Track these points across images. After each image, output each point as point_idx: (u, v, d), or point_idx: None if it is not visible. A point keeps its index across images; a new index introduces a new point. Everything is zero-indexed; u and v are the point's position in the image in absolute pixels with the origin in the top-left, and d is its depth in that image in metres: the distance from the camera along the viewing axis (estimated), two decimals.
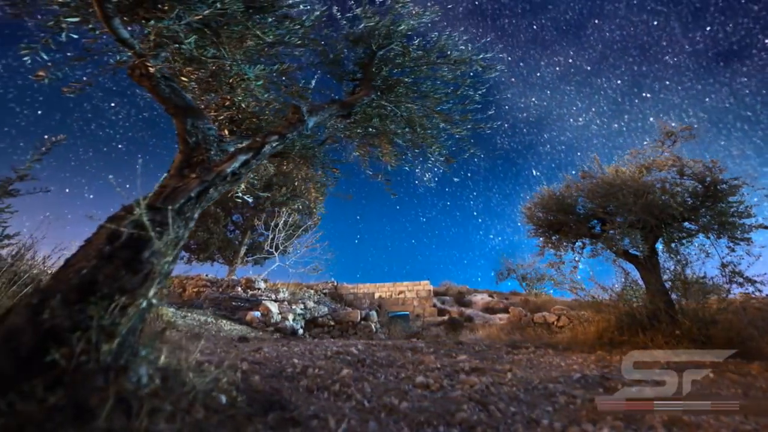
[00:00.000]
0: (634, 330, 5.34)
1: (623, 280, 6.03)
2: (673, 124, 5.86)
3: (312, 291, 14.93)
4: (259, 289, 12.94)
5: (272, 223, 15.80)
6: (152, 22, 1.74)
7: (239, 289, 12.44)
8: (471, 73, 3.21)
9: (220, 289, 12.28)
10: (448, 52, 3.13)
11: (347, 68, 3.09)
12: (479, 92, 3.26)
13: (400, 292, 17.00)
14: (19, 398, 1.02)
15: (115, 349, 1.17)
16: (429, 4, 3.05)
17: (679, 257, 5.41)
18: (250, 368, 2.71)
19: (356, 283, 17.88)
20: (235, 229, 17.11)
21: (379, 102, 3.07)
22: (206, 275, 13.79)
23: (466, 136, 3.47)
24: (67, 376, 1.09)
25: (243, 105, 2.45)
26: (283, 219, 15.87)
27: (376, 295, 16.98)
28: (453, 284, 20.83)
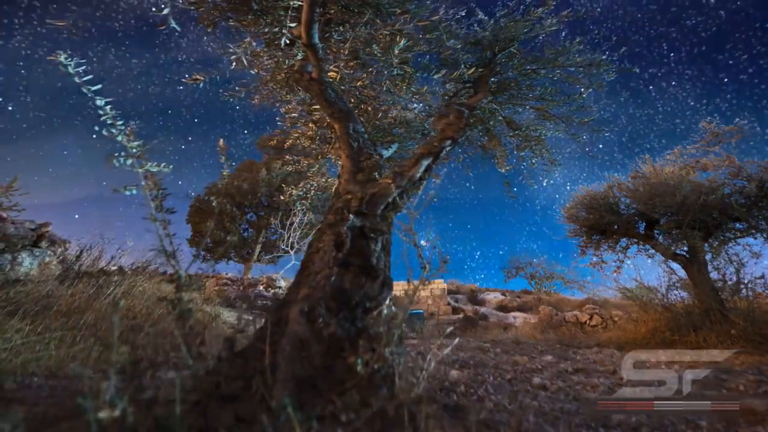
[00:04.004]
0: (686, 329, 5.39)
1: (668, 279, 6.10)
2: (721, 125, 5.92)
3: None
4: (279, 287, 12.95)
5: (287, 222, 15.80)
6: (341, 27, 1.74)
7: (261, 287, 12.45)
8: (603, 75, 3.25)
9: (241, 288, 12.26)
10: (573, 55, 3.16)
11: (461, 70, 3.09)
12: (584, 94, 3.29)
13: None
14: (335, 407, 1.02)
15: (390, 357, 1.17)
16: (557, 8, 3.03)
17: (729, 257, 5.45)
18: None
19: None
20: (249, 228, 17.05)
21: (489, 104, 3.09)
22: (226, 274, 13.74)
23: (582, 139, 3.51)
24: (363, 384, 1.09)
25: (391, 109, 2.44)
26: (299, 218, 15.89)
27: None
28: (461, 283, 20.91)
